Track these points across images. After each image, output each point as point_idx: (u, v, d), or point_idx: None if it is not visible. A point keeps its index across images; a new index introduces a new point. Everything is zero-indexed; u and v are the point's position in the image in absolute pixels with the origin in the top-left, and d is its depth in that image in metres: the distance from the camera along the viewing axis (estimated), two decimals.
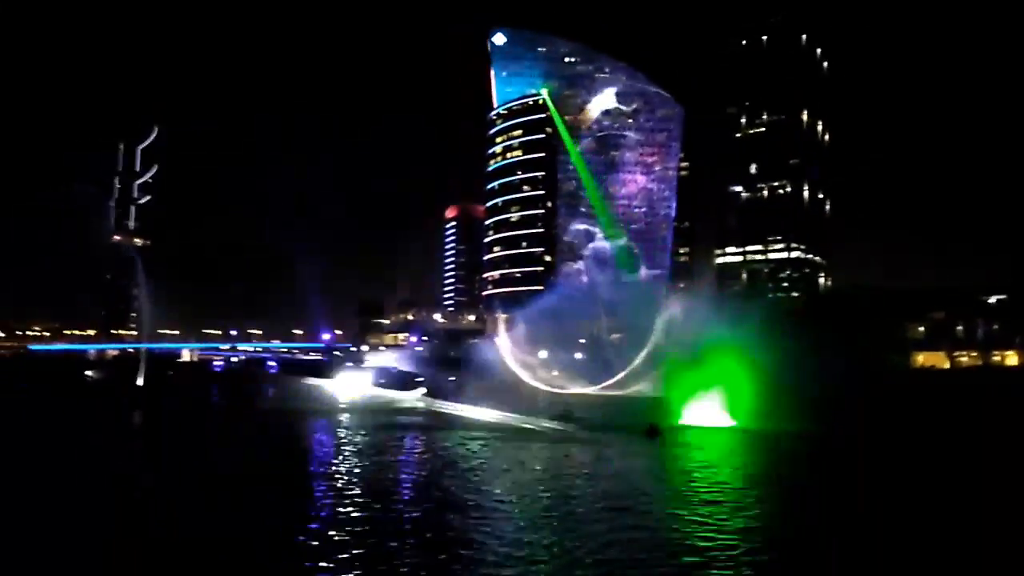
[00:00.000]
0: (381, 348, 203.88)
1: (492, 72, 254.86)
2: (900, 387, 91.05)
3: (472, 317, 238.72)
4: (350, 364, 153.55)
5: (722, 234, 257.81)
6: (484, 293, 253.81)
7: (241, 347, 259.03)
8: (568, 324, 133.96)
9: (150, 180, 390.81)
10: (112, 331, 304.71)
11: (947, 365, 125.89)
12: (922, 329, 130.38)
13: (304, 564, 22.25)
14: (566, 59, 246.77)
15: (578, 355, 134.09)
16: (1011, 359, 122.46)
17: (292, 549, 23.91)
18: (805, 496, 34.02)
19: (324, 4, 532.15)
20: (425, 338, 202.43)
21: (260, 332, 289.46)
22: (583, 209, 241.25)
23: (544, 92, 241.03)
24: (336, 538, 24.98)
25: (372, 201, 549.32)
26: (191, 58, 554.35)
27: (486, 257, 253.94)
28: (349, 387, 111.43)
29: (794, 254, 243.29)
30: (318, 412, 77.57)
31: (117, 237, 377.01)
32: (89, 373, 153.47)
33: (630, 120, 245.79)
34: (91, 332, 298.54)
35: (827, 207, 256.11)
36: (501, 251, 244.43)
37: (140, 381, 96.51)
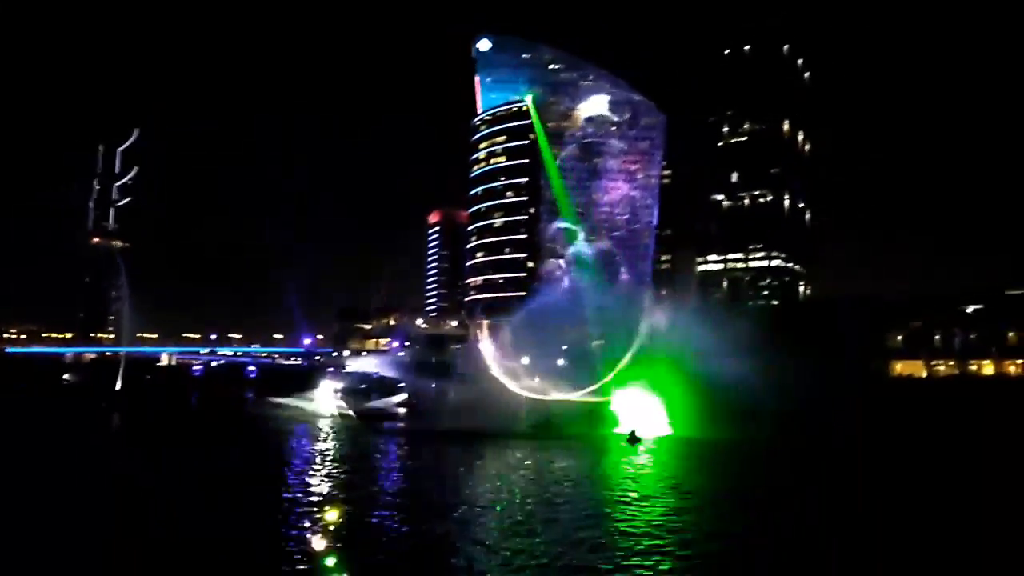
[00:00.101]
0: (363, 353, 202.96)
1: (476, 78, 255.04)
2: (872, 396, 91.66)
3: (455, 323, 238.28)
4: (331, 370, 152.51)
5: (703, 242, 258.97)
6: (467, 299, 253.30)
7: (221, 351, 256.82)
8: (550, 330, 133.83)
9: (130, 182, 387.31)
10: (90, 334, 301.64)
11: (924, 374, 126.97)
12: (900, 338, 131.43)
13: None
14: (550, 66, 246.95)
15: (560, 361, 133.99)
16: (987, 368, 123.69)
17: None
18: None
19: (324, 4, 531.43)
20: (407, 343, 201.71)
21: (240, 336, 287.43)
22: (573, 233, 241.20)
23: (528, 99, 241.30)
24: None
25: (354, 205, 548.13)
26: (189, 58, 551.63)
27: (469, 263, 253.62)
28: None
29: (775, 262, 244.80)
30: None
31: (96, 240, 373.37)
32: (67, 377, 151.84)
33: (613, 127, 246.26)
34: (69, 335, 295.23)
35: (807, 216, 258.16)
36: (484, 257, 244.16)
37: (118, 386, 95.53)
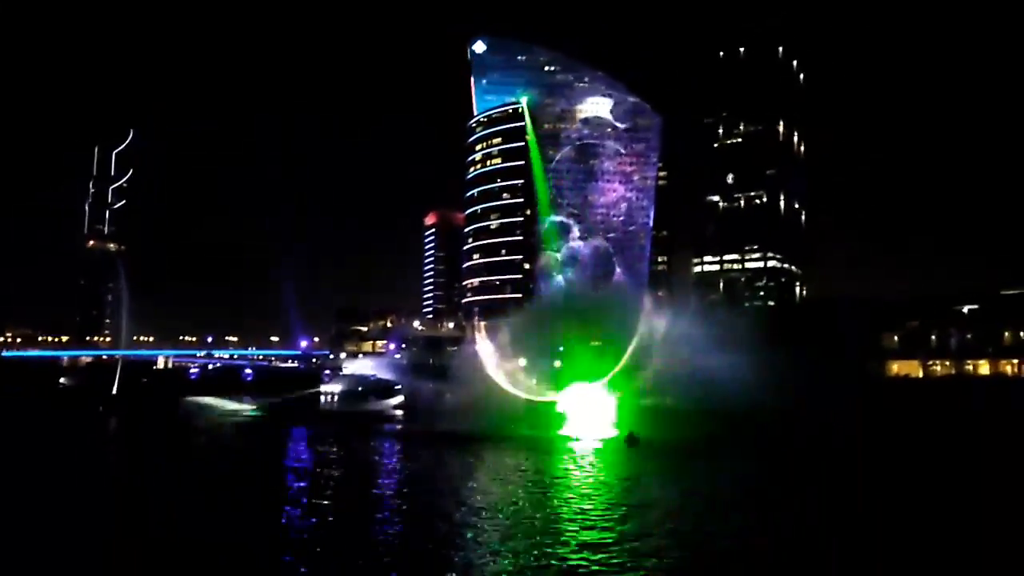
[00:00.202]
0: (360, 355, 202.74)
1: (472, 80, 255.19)
2: (867, 395, 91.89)
3: (451, 324, 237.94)
4: (328, 372, 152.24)
5: (700, 243, 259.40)
6: (463, 300, 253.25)
7: (217, 354, 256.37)
8: (547, 332, 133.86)
9: (125, 185, 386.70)
10: (86, 338, 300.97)
11: (921, 374, 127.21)
12: (896, 338, 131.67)
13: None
14: (546, 68, 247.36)
15: (557, 363, 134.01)
16: (983, 368, 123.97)
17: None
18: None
19: (324, 5, 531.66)
20: (404, 345, 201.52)
21: (236, 339, 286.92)
22: (566, 227, 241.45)
23: (524, 100, 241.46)
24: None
25: (351, 207, 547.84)
26: (188, 58, 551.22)
27: (465, 264, 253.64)
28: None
29: (771, 263, 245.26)
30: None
31: (91, 243, 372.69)
32: (63, 380, 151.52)
33: (609, 129, 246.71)
34: (65, 339, 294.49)
35: (803, 217, 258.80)
36: (480, 258, 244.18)
37: (115, 389, 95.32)
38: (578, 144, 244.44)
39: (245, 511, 32.56)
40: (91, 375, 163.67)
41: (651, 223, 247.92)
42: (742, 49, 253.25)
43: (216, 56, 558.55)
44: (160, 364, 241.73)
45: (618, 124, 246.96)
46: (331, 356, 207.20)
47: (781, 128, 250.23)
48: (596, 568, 25.51)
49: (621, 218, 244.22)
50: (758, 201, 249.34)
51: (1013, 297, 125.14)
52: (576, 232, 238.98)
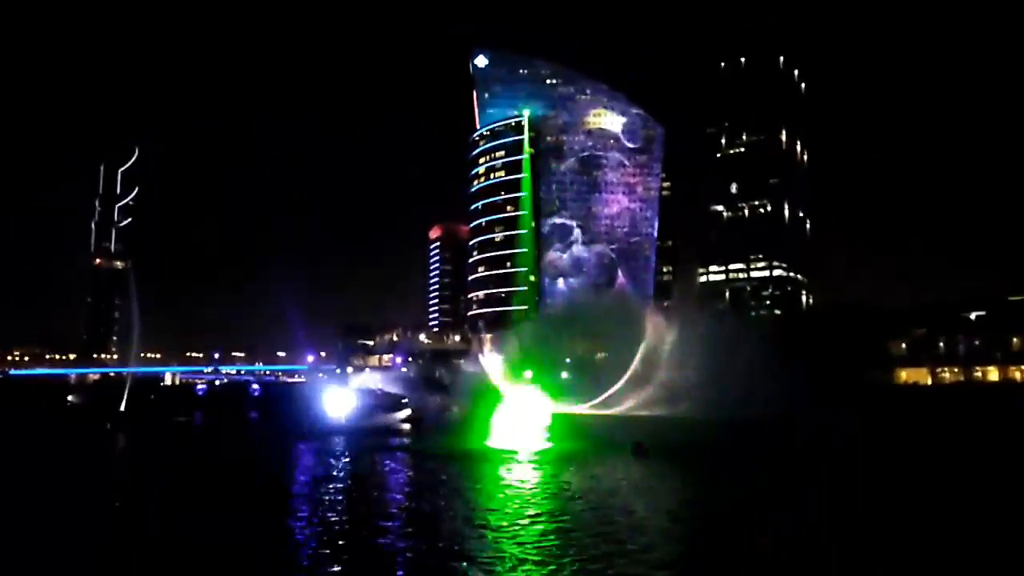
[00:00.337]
0: (366, 370, 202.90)
1: (475, 93, 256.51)
2: (873, 403, 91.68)
3: (457, 337, 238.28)
4: (334, 387, 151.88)
5: (704, 253, 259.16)
6: (469, 313, 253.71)
7: (224, 370, 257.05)
8: (554, 343, 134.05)
9: (131, 203, 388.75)
10: (93, 355, 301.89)
11: (929, 381, 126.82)
12: (904, 345, 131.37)
13: None
14: (548, 81, 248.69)
15: (564, 374, 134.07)
16: (992, 375, 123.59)
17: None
18: None
19: (324, 5, 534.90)
20: (410, 359, 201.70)
21: (243, 355, 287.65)
22: (568, 229, 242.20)
23: (526, 113, 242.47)
24: None
25: (356, 222, 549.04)
26: (189, 60, 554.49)
27: (471, 277, 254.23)
28: None
29: (776, 272, 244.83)
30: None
31: (98, 261, 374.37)
32: (71, 398, 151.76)
33: (611, 140, 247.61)
34: (72, 356, 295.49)
35: (807, 225, 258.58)
36: (485, 271, 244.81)
37: (123, 406, 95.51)
38: (582, 156, 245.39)
39: (251, 521, 32.58)
40: (99, 392, 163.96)
41: (655, 233, 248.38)
42: (743, 59, 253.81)
43: (216, 56, 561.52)
44: (167, 380, 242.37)
45: (621, 135, 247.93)
46: (337, 371, 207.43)
47: (784, 137, 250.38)
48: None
49: (625, 229, 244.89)
50: (762, 210, 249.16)
51: (1021, 303, 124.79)
52: (576, 236, 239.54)
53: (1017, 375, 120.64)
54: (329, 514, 34.24)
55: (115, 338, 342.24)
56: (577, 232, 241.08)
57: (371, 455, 59.22)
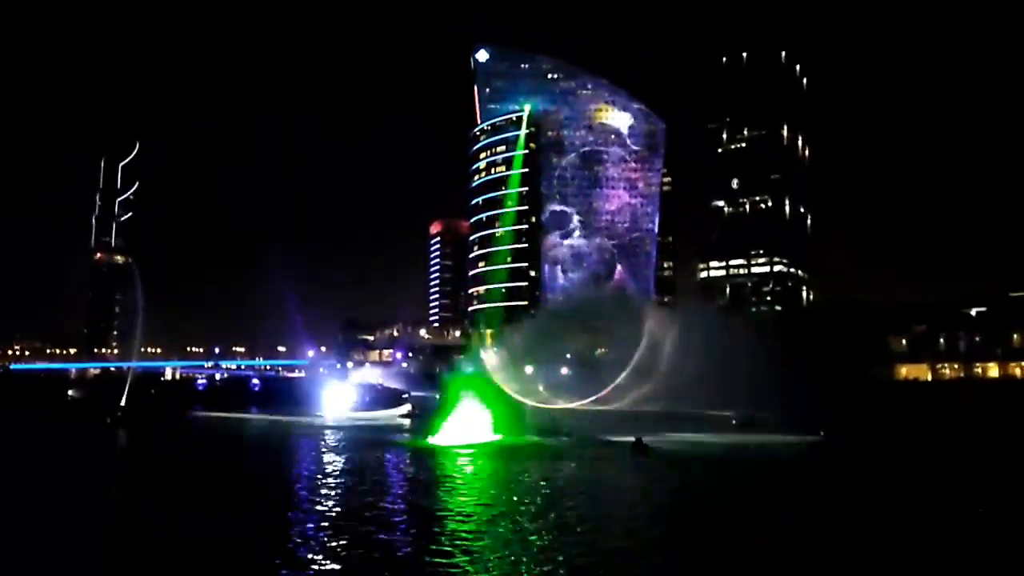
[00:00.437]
0: (366, 364, 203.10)
1: (476, 88, 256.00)
2: (873, 399, 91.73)
3: (458, 333, 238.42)
4: (334, 381, 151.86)
5: (705, 249, 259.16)
6: (469, 308, 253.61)
7: (224, 365, 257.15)
8: (554, 339, 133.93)
9: (132, 197, 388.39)
10: (94, 350, 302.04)
11: (930, 377, 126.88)
12: (905, 342, 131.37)
13: None
14: (549, 76, 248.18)
15: (564, 370, 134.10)
16: (992, 371, 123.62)
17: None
18: None
19: (324, 5, 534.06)
20: (411, 354, 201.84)
21: (243, 350, 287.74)
22: (568, 224, 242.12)
23: (527, 108, 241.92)
24: None
25: (356, 217, 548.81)
26: (189, 60, 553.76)
27: (471, 272, 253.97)
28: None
29: (776, 268, 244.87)
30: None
31: (99, 255, 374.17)
32: (71, 393, 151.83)
33: (612, 136, 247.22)
34: (73, 351, 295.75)
35: (808, 221, 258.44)
36: (486, 266, 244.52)
37: (123, 401, 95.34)
38: (583, 151, 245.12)
39: (249, 517, 32.60)
40: (99, 387, 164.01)
41: (656, 229, 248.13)
42: (745, 54, 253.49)
43: (216, 56, 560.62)
44: (168, 375, 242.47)
45: (622, 131, 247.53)
46: (338, 366, 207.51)
47: (785, 132, 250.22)
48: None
49: (626, 224, 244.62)
50: (763, 206, 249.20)
51: (1021, 299, 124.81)
52: (575, 224, 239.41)
53: (1017, 371, 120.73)
54: (325, 509, 34.23)
55: (115, 333, 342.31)
56: (576, 221, 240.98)
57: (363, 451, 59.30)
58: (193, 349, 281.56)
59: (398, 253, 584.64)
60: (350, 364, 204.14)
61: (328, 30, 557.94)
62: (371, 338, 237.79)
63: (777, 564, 24.94)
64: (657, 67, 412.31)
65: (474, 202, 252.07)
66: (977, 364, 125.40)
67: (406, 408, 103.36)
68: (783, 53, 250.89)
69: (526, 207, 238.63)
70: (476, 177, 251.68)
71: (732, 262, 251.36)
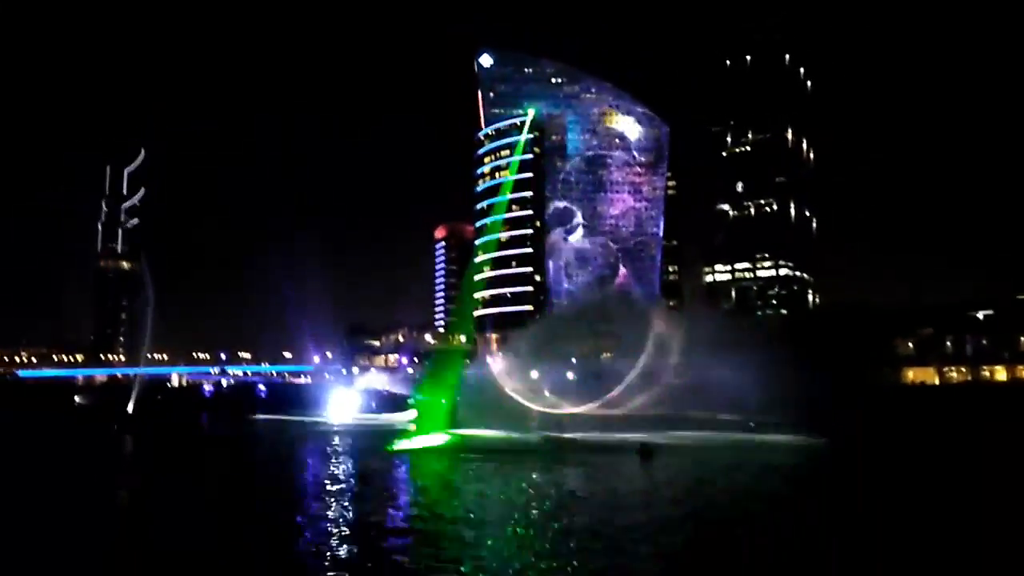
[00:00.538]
0: (372, 370, 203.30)
1: (479, 92, 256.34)
2: (877, 403, 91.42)
3: (463, 337, 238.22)
4: (340, 387, 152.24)
5: (710, 252, 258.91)
6: (474, 313, 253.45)
7: (231, 370, 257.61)
8: (559, 343, 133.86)
9: (137, 203, 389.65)
10: (101, 356, 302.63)
11: (937, 381, 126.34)
12: (911, 345, 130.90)
13: None
14: (552, 80, 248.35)
15: (570, 374, 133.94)
16: (1000, 374, 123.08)
17: None
18: None
19: (324, 5, 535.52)
20: (416, 359, 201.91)
21: (249, 356, 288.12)
22: (573, 228, 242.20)
23: (530, 112, 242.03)
24: None
25: (362, 221, 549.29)
26: (189, 60, 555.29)
27: (476, 277, 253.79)
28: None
29: (782, 271, 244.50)
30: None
31: (105, 261, 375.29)
32: (78, 399, 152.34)
33: (617, 140, 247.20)
34: (79, 357, 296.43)
35: (814, 224, 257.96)
36: (491, 271, 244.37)
37: (130, 407, 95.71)
38: (587, 155, 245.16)
39: (254, 524, 32.70)
40: (106, 393, 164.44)
41: (661, 233, 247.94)
42: (749, 57, 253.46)
43: (216, 56, 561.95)
44: (174, 382, 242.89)
45: (626, 135, 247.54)
46: (343, 371, 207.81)
47: (790, 135, 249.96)
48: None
49: (631, 228, 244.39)
50: (768, 209, 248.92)
51: None
52: (579, 221, 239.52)
53: None
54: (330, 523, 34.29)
55: (122, 339, 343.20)
56: (580, 224, 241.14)
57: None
58: (199, 355, 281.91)
59: (403, 258, 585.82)
60: (356, 369, 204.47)
61: (328, 30, 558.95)
62: (376, 343, 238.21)
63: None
64: (658, 67, 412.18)
65: (479, 206, 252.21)
66: (984, 367, 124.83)
67: (412, 414, 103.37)
68: (787, 56, 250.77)
69: (531, 211, 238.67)
70: (481, 181, 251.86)
71: (737, 265, 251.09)
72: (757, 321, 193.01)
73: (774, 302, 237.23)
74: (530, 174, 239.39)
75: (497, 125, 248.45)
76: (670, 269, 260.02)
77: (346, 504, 38.68)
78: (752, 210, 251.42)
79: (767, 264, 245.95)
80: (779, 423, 70.68)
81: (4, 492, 40.14)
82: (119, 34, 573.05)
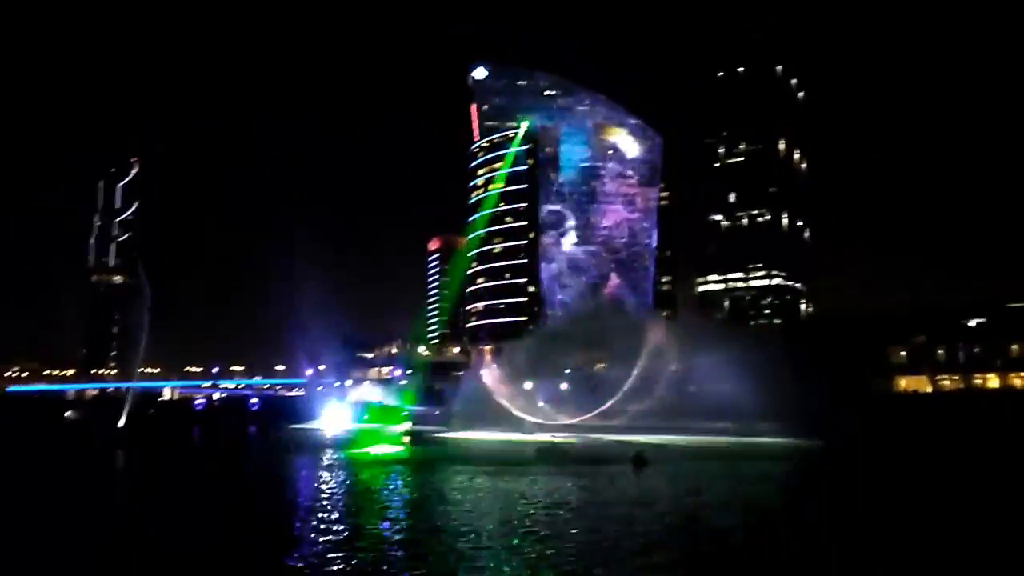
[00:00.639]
0: (366, 382, 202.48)
1: (473, 105, 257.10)
2: (871, 411, 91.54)
3: (456, 349, 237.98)
4: (334, 399, 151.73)
5: (703, 262, 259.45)
6: (468, 325, 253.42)
7: (223, 384, 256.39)
8: (553, 354, 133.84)
9: (130, 217, 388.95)
10: (92, 371, 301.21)
11: (930, 389, 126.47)
12: (904, 353, 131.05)
13: None
14: (546, 92, 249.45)
15: (564, 386, 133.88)
16: (992, 382, 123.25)
17: None
18: None
19: (324, 6, 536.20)
20: (410, 371, 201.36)
21: (242, 369, 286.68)
22: (566, 239, 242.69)
23: (524, 125, 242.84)
24: None
25: (355, 233, 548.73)
26: (190, 60, 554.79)
27: (469, 289, 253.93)
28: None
29: (775, 281, 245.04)
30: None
31: (97, 276, 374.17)
32: (69, 414, 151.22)
33: (610, 151, 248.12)
34: (70, 372, 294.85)
35: (806, 234, 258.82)
36: (484, 282, 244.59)
37: (122, 422, 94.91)
38: (581, 167, 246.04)
39: (247, 534, 32.40)
40: (97, 408, 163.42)
41: (655, 244, 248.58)
42: (740, 68, 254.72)
43: (216, 56, 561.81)
44: (166, 395, 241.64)
45: (619, 146, 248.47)
46: (336, 383, 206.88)
47: (782, 145, 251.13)
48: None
49: (624, 239, 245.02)
50: (761, 219, 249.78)
51: (1020, 310, 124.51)
52: (571, 225, 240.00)
53: (1017, 382, 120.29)
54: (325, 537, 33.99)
55: (113, 353, 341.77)
56: (574, 236, 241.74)
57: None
58: (191, 368, 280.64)
59: (397, 270, 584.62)
60: (349, 381, 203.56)
61: (328, 31, 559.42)
62: (370, 355, 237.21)
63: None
64: (656, 72, 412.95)
65: (472, 218, 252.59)
66: (977, 375, 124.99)
67: (407, 425, 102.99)
68: (779, 67, 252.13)
69: (525, 223, 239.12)
70: (474, 193, 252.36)
71: (731, 276, 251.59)
72: (751, 331, 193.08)
73: (767, 312, 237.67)
74: (524, 185, 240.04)
75: (491, 137, 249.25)
76: (663, 279, 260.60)
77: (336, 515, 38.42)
78: (745, 220, 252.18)
79: (760, 274, 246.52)
80: (776, 428, 70.82)
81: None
82: (119, 34, 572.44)
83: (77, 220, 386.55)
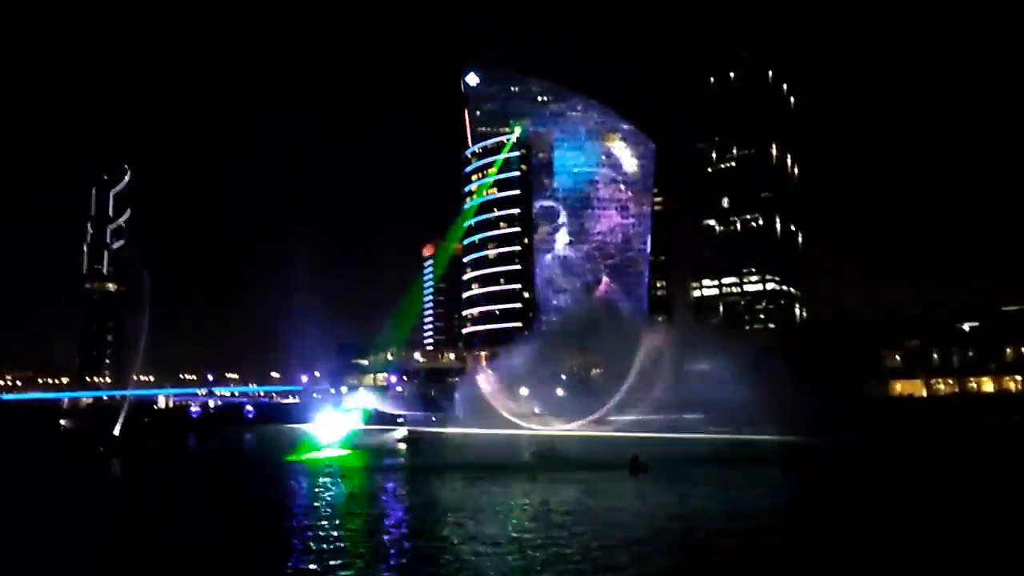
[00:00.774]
0: (361, 389, 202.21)
1: (466, 111, 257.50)
2: (866, 415, 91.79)
3: (452, 355, 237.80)
4: (328, 406, 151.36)
5: (697, 267, 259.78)
6: (463, 331, 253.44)
7: (218, 391, 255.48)
8: (548, 360, 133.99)
9: (123, 224, 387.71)
10: (87, 379, 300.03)
11: (924, 393, 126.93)
12: (898, 357, 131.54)
13: None
14: (539, 98, 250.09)
15: (559, 391, 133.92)
16: (987, 385, 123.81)
17: None
18: None
19: (324, 6, 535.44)
20: (405, 378, 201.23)
21: (237, 376, 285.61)
22: (560, 244, 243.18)
23: (516, 131, 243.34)
24: None
25: (349, 239, 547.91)
26: (189, 60, 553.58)
27: (464, 295, 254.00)
28: None
29: (769, 285, 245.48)
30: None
31: (91, 284, 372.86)
32: (63, 422, 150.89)
33: (604, 157, 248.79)
34: (65, 380, 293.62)
35: (799, 238, 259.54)
36: (479, 288, 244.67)
37: (117, 430, 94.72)
38: (574, 172, 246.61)
39: (244, 542, 32.46)
40: (92, 416, 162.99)
41: (649, 249, 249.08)
42: (732, 74, 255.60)
43: (216, 56, 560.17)
44: (161, 403, 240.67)
45: (612, 152, 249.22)
46: (332, 390, 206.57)
47: (774, 150, 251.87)
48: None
49: (618, 244, 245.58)
50: (754, 224, 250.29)
51: (1014, 313, 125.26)
52: (563, 221, 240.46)
53: (1011, 386, 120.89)
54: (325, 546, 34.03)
55: (108, 361, 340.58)
56: (568, 240, 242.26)
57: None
58: (186, 376, 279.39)
59: (391, 276, 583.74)
60: (344, 388, 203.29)
61: (328, 31, 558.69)
62: (365, 362, 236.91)
63: None
64: (655, 73, 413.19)
65: (466, 224, 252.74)
66: (971, 379, 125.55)
67: (403, 432, 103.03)
68: (770, 72, 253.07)
69: (519, 228, 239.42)
70: (468, 199, 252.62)
71: (724, 280, 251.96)
72: (746, 335, 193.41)
73: (762, 316, 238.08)
74: (518, 191, 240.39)
75: (484, 143, 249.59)
76: (658, 285, 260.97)
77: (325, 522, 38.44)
78: (738, 225, 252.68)
79: (754, 279, 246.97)
80: (773, 431, 71.01)
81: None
82: (119, 34, 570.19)
83: (75, 222, 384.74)
